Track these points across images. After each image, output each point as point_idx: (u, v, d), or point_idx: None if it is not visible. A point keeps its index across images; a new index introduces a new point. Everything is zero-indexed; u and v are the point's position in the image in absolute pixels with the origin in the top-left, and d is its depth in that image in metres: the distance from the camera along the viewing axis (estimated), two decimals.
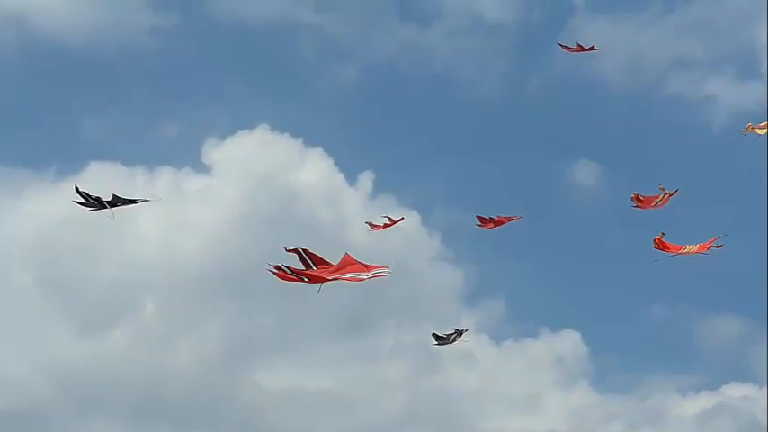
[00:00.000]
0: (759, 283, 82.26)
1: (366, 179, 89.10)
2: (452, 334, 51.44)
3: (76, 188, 45.60)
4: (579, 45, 58.83)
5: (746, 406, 78.82)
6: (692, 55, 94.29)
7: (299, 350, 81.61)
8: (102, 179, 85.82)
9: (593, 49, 58.39)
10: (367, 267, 43.21)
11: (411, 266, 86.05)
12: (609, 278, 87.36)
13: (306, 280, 42.79)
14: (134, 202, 46.24)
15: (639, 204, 52.47)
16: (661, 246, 49.80)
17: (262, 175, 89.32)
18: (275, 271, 42.55)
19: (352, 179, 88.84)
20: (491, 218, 57.33)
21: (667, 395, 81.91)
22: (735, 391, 79.83)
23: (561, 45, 59.34)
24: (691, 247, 50.30)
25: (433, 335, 51.76)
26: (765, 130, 52.37)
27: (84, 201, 45.77)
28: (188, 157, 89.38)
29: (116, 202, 45.82)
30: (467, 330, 51.78)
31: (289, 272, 42.48)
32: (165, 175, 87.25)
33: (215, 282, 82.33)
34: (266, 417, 77.70)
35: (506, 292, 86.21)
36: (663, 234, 50.06)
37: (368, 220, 61.12)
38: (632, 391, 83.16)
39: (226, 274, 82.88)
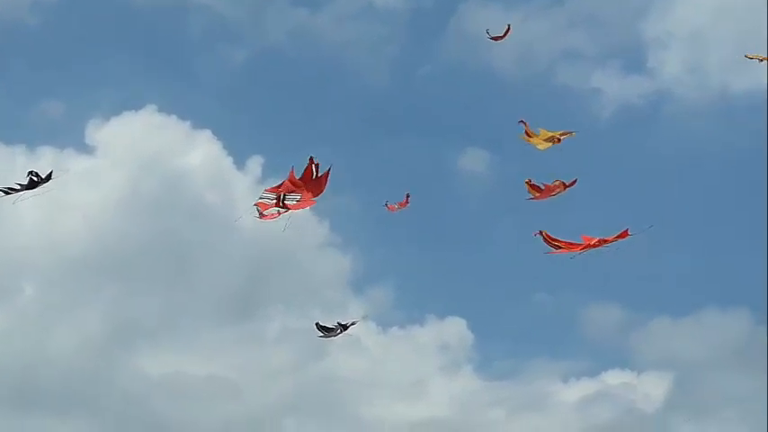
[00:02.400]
0: (638, 272, 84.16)
1: (255, 163, 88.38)
2: (338, 328, 50.72)
3: None
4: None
5: (625, 393, 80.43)
6: (580, 47, 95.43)
7: (183, 335, 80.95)
8: None
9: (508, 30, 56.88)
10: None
11: (299, 252, 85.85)
12: (495, 266, 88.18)
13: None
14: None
15: (537, 195, 51.20)
16: (548, 240, 49.48)
17: (148, 157, 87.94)
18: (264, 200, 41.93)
19: (240, 163, 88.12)
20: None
21: (550, 381, 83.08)
22: (614, 378, 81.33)
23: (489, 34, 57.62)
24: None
25: (317, 325, 50.93)
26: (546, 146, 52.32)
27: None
28: (71, 138, 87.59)
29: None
30: (354, 324, 51.12)
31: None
32: (47, 155, 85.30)
33: (97, 265, 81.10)
34: (149, 403, 76.83)
35: (394, 279, 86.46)
36: (543, 233, 49.46)
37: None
38: (516, 378, 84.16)
39: (108, 257, 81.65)
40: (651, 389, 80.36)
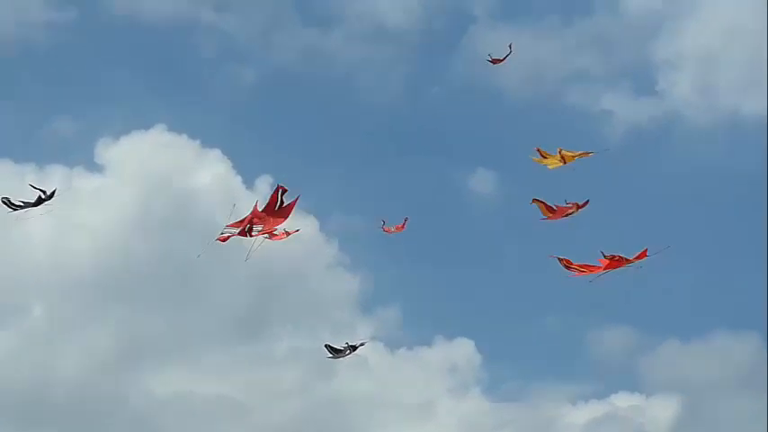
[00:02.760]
0: (649, 295, 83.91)
1: (264, 183, 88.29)
2: (347, 349, 50.72)
3: None
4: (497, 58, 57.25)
5: (633, 415, 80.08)
6: (590, 68, 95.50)
7: (191, 355, 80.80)
8: None
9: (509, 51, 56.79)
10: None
11: (307, 272, 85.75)
12: (504, 287, 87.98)
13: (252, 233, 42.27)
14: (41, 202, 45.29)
15: (551, 216, 51.55)
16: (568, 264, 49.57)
17: (157, 176, 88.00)
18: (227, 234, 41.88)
19: (249, 182, 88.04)
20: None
21: (558, 404, 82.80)
22: (623, 401, 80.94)
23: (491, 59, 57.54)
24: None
25: (327, 347, 51.00)
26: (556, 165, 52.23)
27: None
28: (81, 156, 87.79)
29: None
30: (363, 344, 51.14)
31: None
32: (57, 173, 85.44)
33: (106, 285, 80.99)
34: (157, 423, 76.67)
35: (402, 300, 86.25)
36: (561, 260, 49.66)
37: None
38: (524, 400, 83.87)
39: (117, 276, 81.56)
40: (660, 412, 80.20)
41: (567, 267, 49.21)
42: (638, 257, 49.10)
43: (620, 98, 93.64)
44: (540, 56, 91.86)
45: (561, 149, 52.21)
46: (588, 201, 51.53)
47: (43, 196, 45.65)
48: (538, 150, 52.49)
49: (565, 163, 52.16)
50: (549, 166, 52.36)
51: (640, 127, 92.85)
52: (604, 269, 49.29)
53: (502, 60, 56.53)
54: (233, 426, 77.27)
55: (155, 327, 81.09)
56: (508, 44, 56.63)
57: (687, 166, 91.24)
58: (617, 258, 49.26)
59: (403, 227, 57.55)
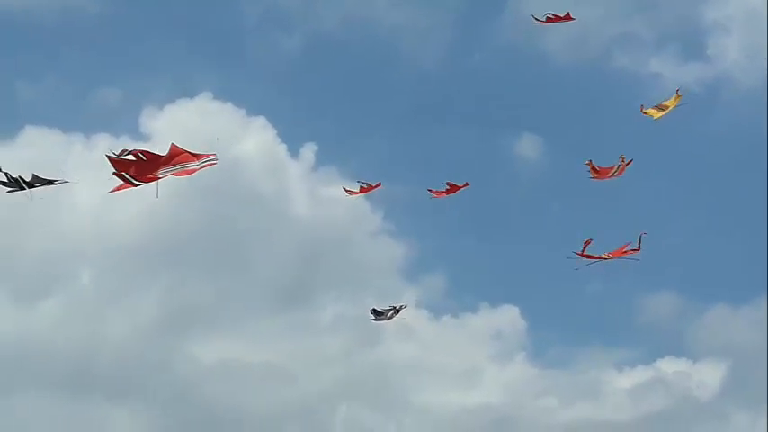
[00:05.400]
0: (697, 260, 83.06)
1: (308, 151, 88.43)
2: (390, 310, 50.97)
3: None
4: (554, 15, 56.87)
5: (679, 380, 79.83)
6: (637, 32, 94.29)
7: (237, 322, 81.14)
8: (38, 144, 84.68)
9: (568, 17, 56.65)
10: (196, 156, 41.84)
11: (352, 239, 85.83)
12: (548, 253, 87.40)
13: (136, 184, 40.99)
14: (52, 182, 44.89)
15: (596, 175, 52.41)
16: (584, 254, 50.65)
17: (202, 145, 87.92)
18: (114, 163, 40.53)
19: (294, 151, 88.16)
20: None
21: (603, 369, 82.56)
22: (669, 366, 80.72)
23: (535, 18, 57.33)
24: (608, 254, 51.39)
25: (372, 310, 51.34)
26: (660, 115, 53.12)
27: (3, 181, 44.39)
28: (127, 125, 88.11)
29: (35, 182, 44.47)
30: (405, 307, 51.26)
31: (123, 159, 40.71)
32: (103, 142, 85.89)
33: (152, 252, 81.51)
34: (202, 389, 77.23)
35: (447, 268, 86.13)
36: (590, 241, 50.74)
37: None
38: (569, 366, 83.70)
39: (163, 244, 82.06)
40: (707, 377, 79.75)
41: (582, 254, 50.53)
42: (622, 252, 50.16)
43: (667, 62, 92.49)
44: (586, 19, 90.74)
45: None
46: (632, 160, 51.95)
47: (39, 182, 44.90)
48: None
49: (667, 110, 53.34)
50: (654, 117, 53.35)
51: (688, 90, 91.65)
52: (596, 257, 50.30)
53: (557, 20, 55.94)
54: (279, 392, 77.83)
55: (200, 295, 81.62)
56: (566, 12, 56.07)
57: (735, 127, 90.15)
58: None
59: (456, 189, 57.39)
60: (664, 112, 53.25)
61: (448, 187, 56.89)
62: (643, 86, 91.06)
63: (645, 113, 53.52)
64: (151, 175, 41.81)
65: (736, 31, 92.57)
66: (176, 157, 41.80)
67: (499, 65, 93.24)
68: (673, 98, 53.52)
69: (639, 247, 50.57)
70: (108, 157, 40.40)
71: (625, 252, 50.57)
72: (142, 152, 41.11)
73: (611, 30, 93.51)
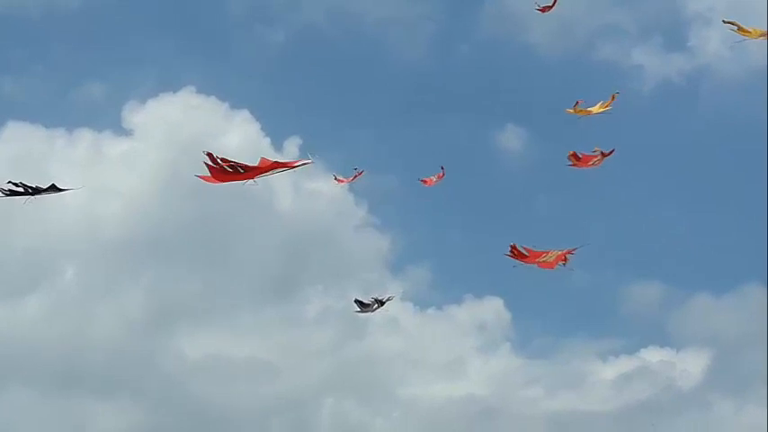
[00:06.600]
0: (680, 249, 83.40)
1: (292, 145, 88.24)
2: (374, 303, 50.87)
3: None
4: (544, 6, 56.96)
5: (663, 370, 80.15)
6: (620, 24, 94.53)
7: (223, 317, 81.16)
8: (19, 140, 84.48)
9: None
10: (286, 164, 42.38)
11: (337, 233, 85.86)
12: (532, 243, 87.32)
13: (242, 171, 41.42)
14: (61, 190, 45.30)
15: (576, 163, 52.57)
16: (517, 254, 50.28)
17: (186, 139, 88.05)
18: (209, 163, 41.14)
19: (278, 144, 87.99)
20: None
21: (588, 359, 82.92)
22: (652, 356, 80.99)
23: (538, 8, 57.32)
24: (547, 256, 51.20)
25: (356, 301, 51.18)
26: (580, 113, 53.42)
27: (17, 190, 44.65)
28: (109, 120, 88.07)
29: (45, 190, 44.85)
30: (390, 299, 51.20)
31: (222, 166, 41.25)
32: (85, 137, 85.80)
33: (136, 248, 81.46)
34: (189, 385, 77.27)
35: (431, 260, 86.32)
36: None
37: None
38: (553, 356, 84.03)
39: (148, 239, 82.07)
40: (690, 366, 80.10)
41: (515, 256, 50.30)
42: (561, 257, 50.25)
43: (649, 53, 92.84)
44: (570, 10, 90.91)
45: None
46: (613, 150, 52.12)
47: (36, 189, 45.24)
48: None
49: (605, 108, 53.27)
50: (593, 112, 53.43)
51: (670, 82, 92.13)
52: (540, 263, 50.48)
53: (551, 7, 56.03)
54: (265, 386, 77.95)
55: (185, 290, 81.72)
56: (529, 5, 56.13)
57: (717, 119, 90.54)
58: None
59: (443, 176, 57.37)
60: (583, 113, 53.48)
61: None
62: (626, 78, 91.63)
63: (570, 112, 53.53)
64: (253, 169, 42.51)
65: (717, 22, 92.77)
66: (269, 166, 42.36)
67: (483, 57, 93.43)
68: (607, 102, 53.35)
69: (567, 259, 50.40)
70: (207, 155, 40.53)
71: (564, 257, 50.42)
72: (238, 164, 41.53)
73: (594, 21, 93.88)
